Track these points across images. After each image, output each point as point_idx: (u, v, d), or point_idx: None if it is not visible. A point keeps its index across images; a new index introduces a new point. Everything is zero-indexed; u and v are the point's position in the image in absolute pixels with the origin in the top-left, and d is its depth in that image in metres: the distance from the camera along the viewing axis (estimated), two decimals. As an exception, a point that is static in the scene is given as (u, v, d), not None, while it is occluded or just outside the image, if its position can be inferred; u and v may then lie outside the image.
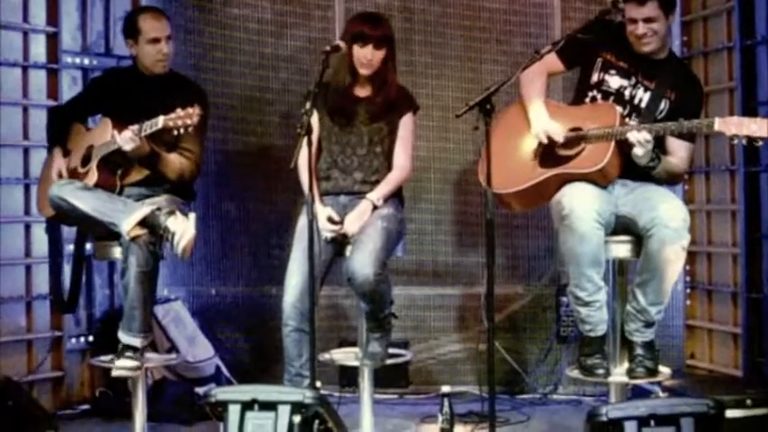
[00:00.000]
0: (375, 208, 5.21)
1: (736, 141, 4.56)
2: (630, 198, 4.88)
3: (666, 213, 4.73)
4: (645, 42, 4.91)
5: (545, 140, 4.91)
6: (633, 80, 4.99)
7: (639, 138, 4.68)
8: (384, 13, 5.70)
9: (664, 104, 4.95)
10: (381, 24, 5.30)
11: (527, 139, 5.02)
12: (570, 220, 4.72)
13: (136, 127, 5.01)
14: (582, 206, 4.71)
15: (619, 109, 4.91)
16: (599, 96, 5.02)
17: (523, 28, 6.30)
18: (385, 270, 5.07)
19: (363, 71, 5.27)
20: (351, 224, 5.17)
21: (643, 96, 4.97)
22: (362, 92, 5.36)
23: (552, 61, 5.05)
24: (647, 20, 4.85)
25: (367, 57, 5.23)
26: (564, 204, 4.75)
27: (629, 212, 4.84)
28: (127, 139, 5.01)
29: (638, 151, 4.71)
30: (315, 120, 5.14)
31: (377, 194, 5.23)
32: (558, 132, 4.91)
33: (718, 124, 4.55)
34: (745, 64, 5.58)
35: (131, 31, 5.38)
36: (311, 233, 4.53)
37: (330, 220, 5.17)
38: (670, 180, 5.07)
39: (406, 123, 5.37)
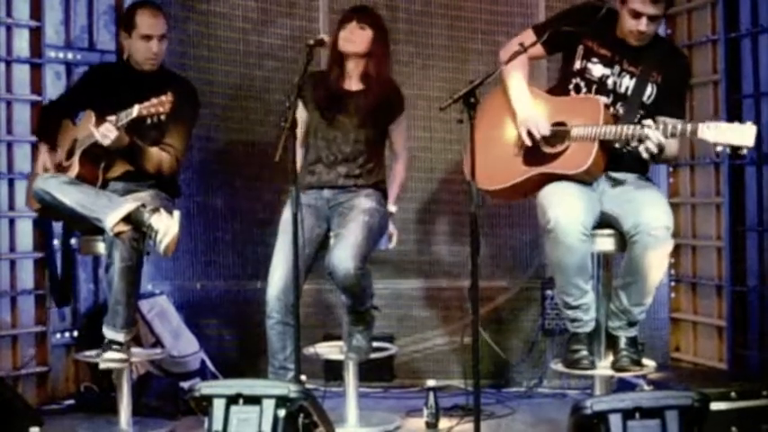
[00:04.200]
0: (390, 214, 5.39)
1: (720, 149, 4.48)
2: (615, 195, 4.84)
3: (651, 221, 4.66)
4: (641, 39, 4.86)
5: (527, 141, 4.85)
6: (617, 68, 4.93)
7: (653, 139, 4.57)
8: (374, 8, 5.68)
9: (651, 89, 4.90)
10: (368, 10, 5.38)
11: (510, 129, 4.97)
12: (556, 234, 4.67)
13: (113, 118, 5.01)
14: (567, 219, 4.65)
15: (603, 100, 4.86)
16: (582, 84, 4.96)
17: (508, 20, 6.27)
18: (366, 264, 5.08)
19: (348, 48, 5.27)
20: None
21: (629, 84, 4.91)
22: (352, 86, 5.36)
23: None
24: (653, 18, 4.78)
25: (352, 32, 5.26)
26: (549, 217, 4.68)
27: (614, 210, 4.80)
28: (104, 132, 5.00)
29: (644, 153, 4.64)
30: (300, 113, 5.13)
31: (391, 200, 5.47)
32: (544, 126, 4.86)
33: (702, 131, 4.47)
34: (730, 57, 5.59)
35: (127, 24, 5.41)
36: (296, 226, 4.53)
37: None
38: (662, 162, 5.07)
39: (398, 127, 5.46)
